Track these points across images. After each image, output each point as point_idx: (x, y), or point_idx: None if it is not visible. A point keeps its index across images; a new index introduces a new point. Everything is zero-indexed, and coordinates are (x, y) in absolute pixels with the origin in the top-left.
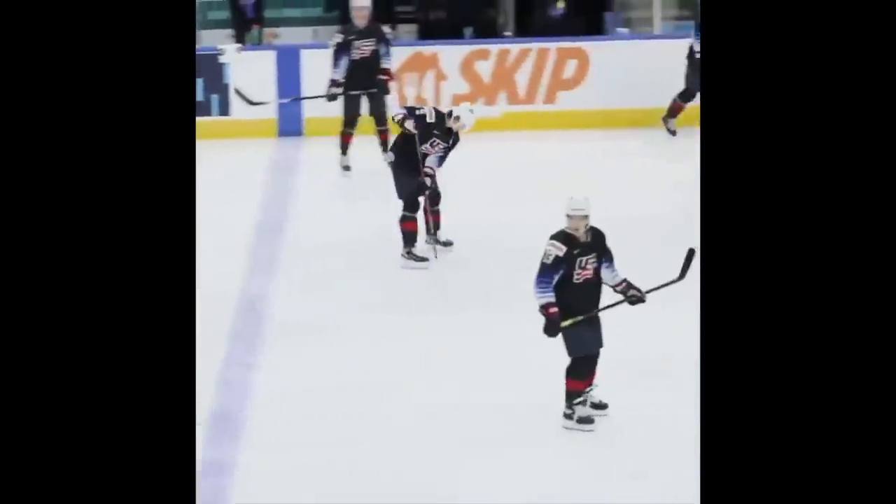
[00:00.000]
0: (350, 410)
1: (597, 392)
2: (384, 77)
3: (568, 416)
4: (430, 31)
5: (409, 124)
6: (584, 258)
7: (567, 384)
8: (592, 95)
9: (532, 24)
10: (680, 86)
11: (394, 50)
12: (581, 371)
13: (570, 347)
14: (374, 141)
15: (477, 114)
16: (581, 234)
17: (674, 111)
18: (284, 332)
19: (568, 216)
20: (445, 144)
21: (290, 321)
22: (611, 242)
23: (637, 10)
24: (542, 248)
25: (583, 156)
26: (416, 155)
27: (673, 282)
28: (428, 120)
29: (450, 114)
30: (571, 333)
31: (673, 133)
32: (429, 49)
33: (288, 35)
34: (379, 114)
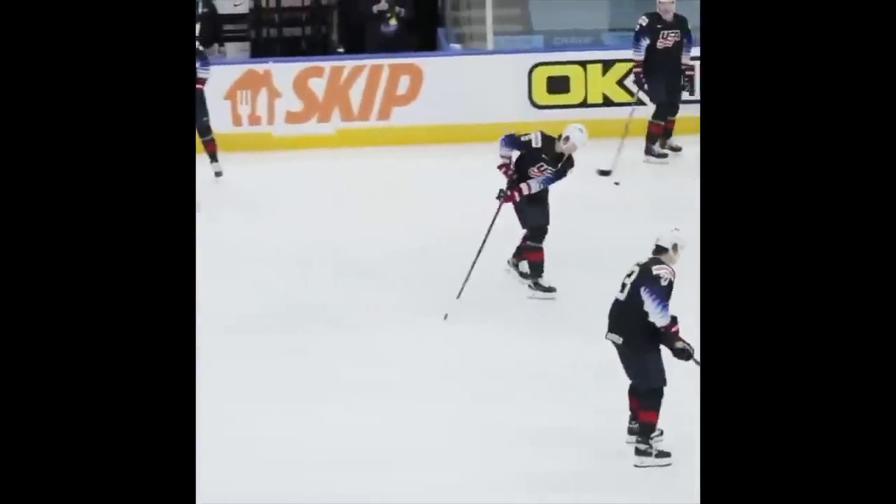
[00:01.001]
0: None
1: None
2: (198, 86)
3: (644, 453)
4: (263, 49)
5: (506, 169)
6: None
7: (643, 416)
8: (426, 111)
9: (365, 40)
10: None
11: (227, 68)
12: (658, 402)
13: (656, 377)
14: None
15: (585, 132)
16: None
17: (653, 136)
18: None
19: (680, 247)
20: (554, 168)
21: None
22: (448, 259)
23: (470, 25)
24: (382, 262)
25: (418, 171)
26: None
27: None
28: (534, 145)
29: (559, 136)
30: (657, 362)
31: (670, 151)
32: (261, 66)
33: None
34: (200, 126)
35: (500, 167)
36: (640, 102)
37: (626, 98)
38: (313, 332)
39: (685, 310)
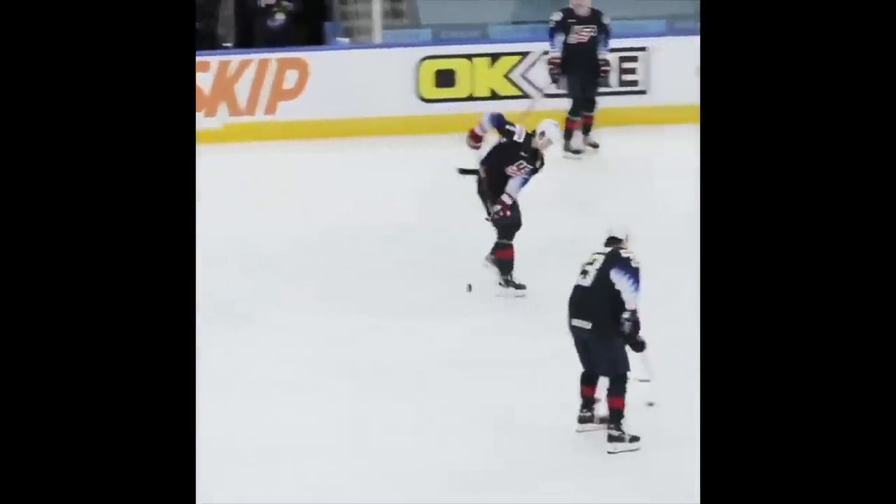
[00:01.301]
0: None
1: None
2: None
3: (618, 439)
4: None
5: (477, 140)
6: None
7: (613, 403)
8: (313, 105)
9: (253, 34)
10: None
11: None
12: (625, 387)
13: (623, 363)
14: None
15: (560, 128)
16: None
17: (569, 132)
18: None
19: (631, 238)
20: (532, 167)
21: None
22: (341, 252)
23: (357, 19)
24: (273, 257)
25: (304, 166)
26: (504, 176)
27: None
28: (516, 138)
29: (534, 133)
30: (622, 349)
31: (586, 149)
32: None
33: None
34: None
35: (472, 136)
36: (528, 96)
37: (514, 91)
38: (214, 330)
39: (685, 310)
